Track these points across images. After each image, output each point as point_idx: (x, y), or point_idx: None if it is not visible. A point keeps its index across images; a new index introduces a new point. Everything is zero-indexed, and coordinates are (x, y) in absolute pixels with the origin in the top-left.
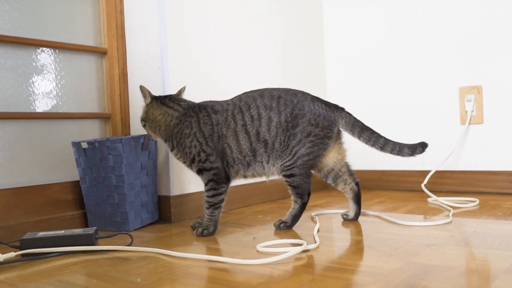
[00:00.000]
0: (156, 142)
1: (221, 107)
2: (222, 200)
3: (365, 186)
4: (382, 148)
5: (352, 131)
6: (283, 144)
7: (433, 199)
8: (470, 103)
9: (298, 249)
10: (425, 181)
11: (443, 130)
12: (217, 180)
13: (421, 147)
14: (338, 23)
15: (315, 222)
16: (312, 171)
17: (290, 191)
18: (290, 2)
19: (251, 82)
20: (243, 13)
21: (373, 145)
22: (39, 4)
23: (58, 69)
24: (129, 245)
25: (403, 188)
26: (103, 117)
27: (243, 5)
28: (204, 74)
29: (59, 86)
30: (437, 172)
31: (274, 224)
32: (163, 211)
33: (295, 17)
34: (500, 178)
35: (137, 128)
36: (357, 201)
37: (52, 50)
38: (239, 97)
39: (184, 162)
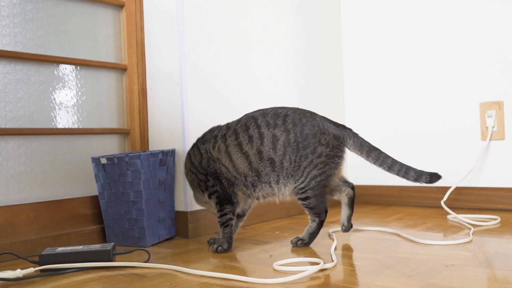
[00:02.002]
0: (174, 158)
1: (211, 134)
2: (230, 219)
3: (384, 202)
4: (389, 168)
5: (360, 151)
6: (293, 163)
7: (452, 216)
8: (491, 119)
9: (315, 268)
10: (445, 198)
11: (464, 146)
12: (221, 202)
13: (429, 176)
14: (357, 42)
15: (333, 240)
16: (326, 189)
17: (307, 212)
18: (309, 21)
19: (267, 100)
20: (262, 32)
21: (380, 165)
22: (62, 22)
23: (79, 85)
24: (146, 261)
25: (422, 205)
26: (122, 133)
27: (263, 24)
28: (220, 91)
29: (80, 102)
30: (457, 188)
31: (291, 242)
32: (180, 227)
33: (314, 36)
34: None
35: (155, 144)
36: (351, 205)
37: (73, 67)
38: (239, 119)
39: (202, 193)
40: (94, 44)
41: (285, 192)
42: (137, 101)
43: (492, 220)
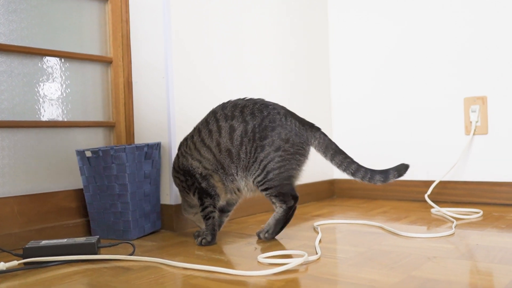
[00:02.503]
0: (159, 151)
1: (183, 140)
2: (210, 211)
3: (369, 195)
4: (353, 174)
5: (325, 153)
6: (249, 155)
7: (436, 209)
8: (475, 114)
9: (299, 260)
10: (429, 192)
11: (448, 140)
12: (201, 197)
13: (396, 171)
14: (343, 36)
15: (317, 233)
16: (291, 179)
17: (274, 201)
18: (296, 18)
19: (255, 96)
20: (252, 27)
21: (344, 170)
22: (46, 14)
23: (64, 78)
24: (131, 254)
25: (407, 198)
26: (108, 126)
27: (253, 19)
28: (208, 85)
29: (65, 94)
30: (441, 182)
31: (256, 233)
32: (166, 220)
33: (302, 33)
34: (504, 189)
35: (141, 137)
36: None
37: (58, 59)
38: (202, 118)
39: (188, 194)
40: (79, 37)
41: (245, 187)
42: (122, 94)
43: (474, 213)
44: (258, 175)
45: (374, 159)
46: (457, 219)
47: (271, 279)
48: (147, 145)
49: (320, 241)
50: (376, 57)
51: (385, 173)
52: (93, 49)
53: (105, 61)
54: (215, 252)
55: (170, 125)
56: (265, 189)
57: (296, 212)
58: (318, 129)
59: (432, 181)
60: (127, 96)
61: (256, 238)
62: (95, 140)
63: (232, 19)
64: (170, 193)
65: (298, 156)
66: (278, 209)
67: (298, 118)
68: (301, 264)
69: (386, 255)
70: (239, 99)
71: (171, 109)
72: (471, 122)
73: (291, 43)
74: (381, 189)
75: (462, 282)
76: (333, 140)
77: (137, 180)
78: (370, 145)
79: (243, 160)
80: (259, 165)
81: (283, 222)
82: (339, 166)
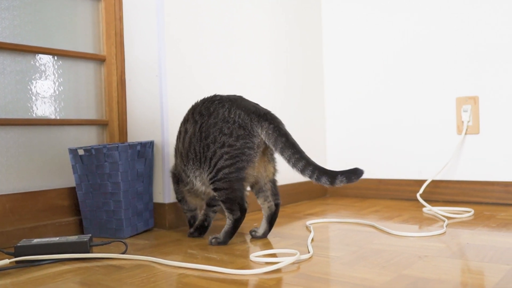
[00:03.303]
0: (152, 149)
1: None
2: (176, 191)
3: (363, 194)
4: (301, 172)
5: (274, 146)
6: (198, 154)
7: (428, 208)
8: (467, 114)
9: (291, 259)
10: (421, 191)
11: (440, 140)
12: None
13: (346, 177)
14: (336, 38)
15: (310, 231)
16: (242, 184)
17: (224, 209)
18: (289, 22)
19: (248, 95)
20: (246, 25)
21: (293, 167)
22: (39, 11)
23: (57, 75)
24: (123, 253)
25: (399, 197)
26: (101, 124)
27: (247, 17)
28: (201, 84)
29: (58, 92)
30: (433, 181)
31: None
32: (159, 218)
33: (296, 35)
34: (495, 188)
35: (134, 136)
36: (270, 221)
37: (51, 57)
38: None
39: None
40: (72, 34)
41: (200, 186)
42: (115, 92)
43: (466, 212)
44: (210, 173)
45: (369, 160)
46: (448, 218)
47: (263, 277)
48: (140, 143)
49: (312, 240)
50: (369, 59)
51: (333, 177)
52: (87, 47)
53: (99, 59)
54: (208, 251)
55: (163, 124)
56: (215, 190)
57: (289, 211)
58: (267, 118)
59: (424, 180)
60: (120, 94)
61: (248, 236)
62: (88, 138)
63: (226, 18)
64: (163, 192)
65: (247, 151)
66: (227, 221)
67: (245, 108)
68: (293, 263)
69: (378, 254)
70: (199, 101)
71: (164, 107)
72: (463, 121)
73: (285, 45)
74: (374, 188)
75: (453, 280)
76: (327, 142)
77: (130, 178)
78: (365, 146)
79: (192, 160)
80: (210, 162)
81: (231, 234)
82: (288, 162)
